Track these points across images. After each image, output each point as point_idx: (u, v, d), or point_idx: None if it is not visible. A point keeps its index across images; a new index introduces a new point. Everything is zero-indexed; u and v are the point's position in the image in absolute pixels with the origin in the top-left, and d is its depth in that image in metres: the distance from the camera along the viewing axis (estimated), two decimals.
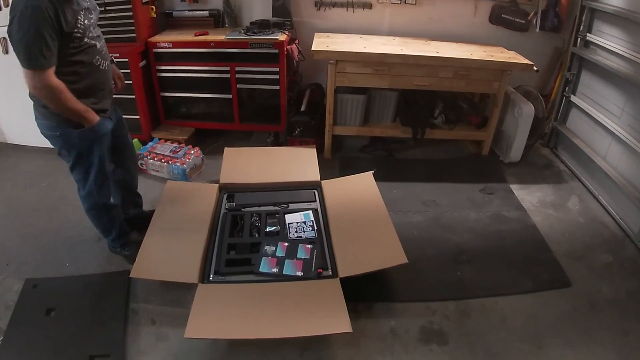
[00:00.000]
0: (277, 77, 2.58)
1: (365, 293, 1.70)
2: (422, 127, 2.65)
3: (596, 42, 2.47)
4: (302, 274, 1.63)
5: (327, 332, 1.42)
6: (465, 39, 2.79)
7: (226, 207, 2.00)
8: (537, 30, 2.80)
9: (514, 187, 2.47)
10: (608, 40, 2.37)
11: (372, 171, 2.20)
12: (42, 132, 1.52)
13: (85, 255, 1.88)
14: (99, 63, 1.48)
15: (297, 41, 2.77)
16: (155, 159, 2.46)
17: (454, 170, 2.62)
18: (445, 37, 2.81)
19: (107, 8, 2.36)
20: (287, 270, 1.63)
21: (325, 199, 2.04)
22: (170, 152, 2.51)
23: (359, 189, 2.10)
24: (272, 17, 2.77)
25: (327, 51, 2.39)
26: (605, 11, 2.36)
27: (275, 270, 1.64)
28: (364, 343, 1.52)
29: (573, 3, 2.69)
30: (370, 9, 2.84)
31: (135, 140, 2.60)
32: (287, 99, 2.69)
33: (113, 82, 1.64)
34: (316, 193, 2.09)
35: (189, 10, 2.83)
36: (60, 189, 2.34)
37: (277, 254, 1.70)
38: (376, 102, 2.68)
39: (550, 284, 1.80)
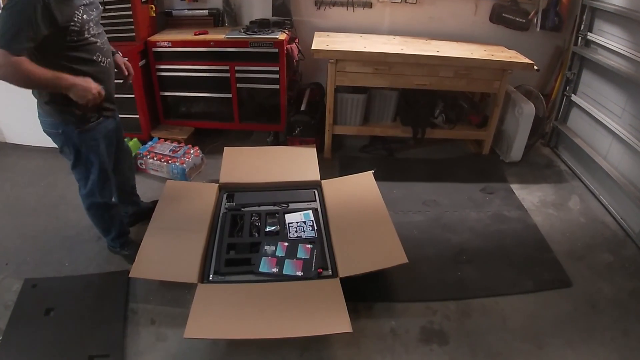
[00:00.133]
0: (277, 76, 2.57)
1: (365, 293, 1.70)
2: (423, 126, 2.64)
3: (597, 41, 2.46)
4: (302, 273, 1.62)
5: (327, 332, 1.42)
6: (466, 38, 2.78)
7: (226, 206, 1.99)
8: (538, 29, 2.80)
9: (515, 187, 2.47)
10: (609, 40, 2.36)
11: (372, 171, 2.19)
12: (44, 130, 1.52)
13: (84, 255, 1.88)
14: (99, 60, 1.46)
15: (297, 40, 2.76)
16: (155, 158, 2.46)
17: (455, 169, 2.62)
18: (445, 36, 2.80)
19: (107, 7, 2.35)
20: (287, 270, 1.63)
21: (325, 198, 2.03)
22: (169, 151, 2.50)
23: (359, 188, 2.10)
24: (272, 16, 2.76)
25: (327, 50, 2.38)
26: (606, 10, 2.35)
27: (275, 270, 1.63)
28: (364, 343, 1.52)
29: (574, 2, 2.68)
30: (371, 8, 2.83)
31: (135, 139, 2.60)
32: (287, 99, 2.69)
33: (121, 72, 1.61)
34: (316, 193, 2.09)
35: (188, 10, 2.82)
36: (60, 188, 2.34)
37: (277, 254, 1.70)
38: (376, 101, 2.68)
39: (550, 284, 1.80)
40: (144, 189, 2.11)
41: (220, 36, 2.54)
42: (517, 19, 2.78)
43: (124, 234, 1.86)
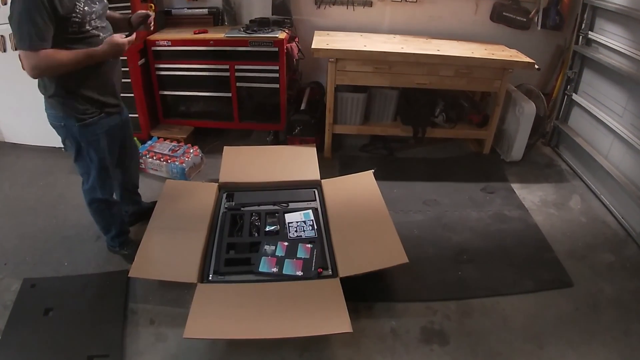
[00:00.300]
0: (276, 75, 2.56)
1: (365, 293, 1.69)
2: (423, 125, 2.63)
3: (598, 40, 2.46)
4: (302, 273, 1.61)
5: (327, 332, 1.41)
6: (466, 37, 2.77)
7: (225, 206, 1.99)
8: (539, 28, 2.79)
9: (515, 186, 2.46)
10: (610, 38, 2.35)
11: (373, 170, 2.18)
12: (49, 122, 1.53)
13: (83, 254, 1.87)
14: None
15: (297, 39, 2.75)
16: (154, 157, 2.45)
17: (455, 169, 2.61)
18: (446, 35, 2.79)
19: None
20: (286, 270, 1.62)
21: (325, 198, 2.03)
22: (169, 151, 2.50)
23: (359, 188, 2.09)
24: (272, 15, 2.76)
25: (327, 49, 2.37)
26: (607, 9, 2.34)
27: (275, 269, 1.63)
28: (364, 343, 1.51)
29: (575, 1, 2.67)
30: (371, 6, 2.82)
31: (134, 139, 2.59)
32: (286, 98, 2.68)
33: (145, 22, 1.59)
34: (316, 192, 2.08)
35: (188, 8, 2.81)
36: (59, 188, 2.33)
37: (276, 254, 1.69)
38: (376, 100, 2.67)
39: (551, 284, 1.79)
40: (143, 189, 2.10)
41: (220, 35, 2.53)
42: (518, 18, 2.77)
43: (124, 232, 1.85)
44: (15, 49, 2.35)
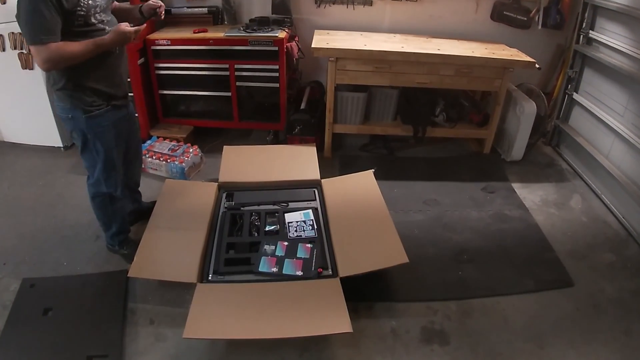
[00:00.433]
0: (276, 74, 2.55)
1: (365, 293, 1.68)
2: (423, 125, 2.63)
3: (599, 39, 2.45)
4: (301, 273, 1.61)
5: (327, 332, 1.41)
6: (467, 36, 2.77)
7: (225, 205, 1.98)
8: (539, 27, 2.78)
9: (516, 186, 2.45)
10: (611, 38, 2.34)
11: (373, 170, 2.18)
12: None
13: (82, 254, 1.87)
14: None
15: (296, 38, 2.74)
16: (154, 157, 2.44)
17: (455, 168, 2.61)
18: (446, 34, 2.79)
19: None
20: (286, 270, 1.62)
21: (325, 197, 2.02)
22: (168, 150, 2.49)
23: (359, 187, 2.08)
24: (272, 14, 2.75)
25: (327, 48, 2.37)
26: (608, 8, 2.33)
27: (274, 269, 1.62)
28: (364, 343, 1.51)
29: (575, 0, 2.67)
30: (371, 5, 2.82)
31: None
32: (286, 97, 2.67)
33: (156, 13, 1.62)
34: (316, 192, 2.08)
35: (187, 8, 2.80)
36: (58, 187, 2.33)
37: (276, 254, 1.68)
38: (377, 100, 2.66)
39: (552, 284, 1.79)
40: (143, 188, 2.09)
41: (220, 34, 2.52)
42: (519, 17, 2.76)
43: (124, 231, 1.85)
44: (14, 49, 2.36)
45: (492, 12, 2.81)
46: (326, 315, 1.43)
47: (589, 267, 1.89)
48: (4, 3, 2.26)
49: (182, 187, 2.13)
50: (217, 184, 2.11)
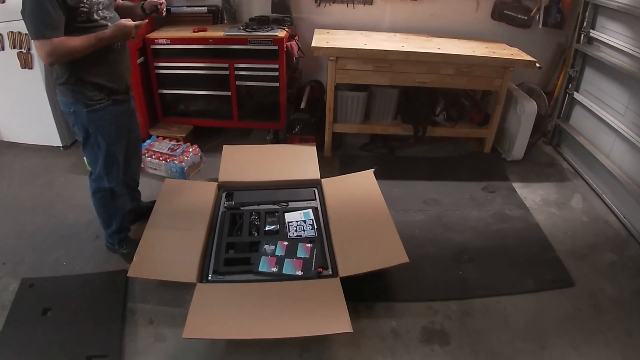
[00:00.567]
0: (276, 74, 2.55)
1: (365, 293, 1.68)
2: (424, 124, 2.62)
3: (600, 38, 2.44)
4: (301, 273, 1.60)
5: (327, 332, 1.40)
6: (467, 36, 2.76)
7: (225, 205, 1.98)
8: (540, 26, 2.77)
9: (517, 186, 2.45)
10: (612, 37, 2.34)
11: (373, 169, 2.17)
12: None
13: (82, 254, 1.86)
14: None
15: (296, 37, 2.74)
16: (153, 156, 2.44)
17: (456, 168, 2.60)
18: (447, 33, 2.78)
19: None
20: (286, 270, 1.61)
21: (325, 197, 2.02)
22: (168, 150, 2.49)
23: (359, 187, 2.08)
24: (272, 13, 2.74)
25: (327, 48, 2.36)
26: (608, 7, 2.33)
27: (274, 269, 1.61)
28: (364, 343, 1.50)
29: None
30: (371, 4, 2.81)
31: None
32: (286, 96, 2.67)
33: (157, 10, 1.67)
34: (316, 191, 2.07)
35: (187, 7, 2.80)
36: (57, 187, 2.32)
37: (276, 253, 1.68)
38: (377, 99, 2.65)
39: (553, 284, 1.78)
40: (142, 188, 2.09)
41: (219, 33, 2.51)
42: (519, 16, 2.76)
43: (124, 229, 1.84)
44: (14, 48, 2.35)
45: (492, 11, 2.81)
46: (326, 315, 1.43)
47: (590, 267, 1.88)
48: (3, 2, 2.25)
49: (181, 186, 2.13)
50: (216, 183, 2.10)
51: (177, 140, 2.61)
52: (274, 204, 1.98)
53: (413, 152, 2.77)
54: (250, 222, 1.84)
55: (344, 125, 2.64)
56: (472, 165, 2.64)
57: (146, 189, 2.18)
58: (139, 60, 2.51)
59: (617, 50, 2.29)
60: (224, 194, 2.05)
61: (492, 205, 2.27)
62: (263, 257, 1.66)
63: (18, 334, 1.50)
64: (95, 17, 1.43)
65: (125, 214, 1.84)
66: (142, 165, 2.46)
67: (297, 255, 1.67)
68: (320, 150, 2.48)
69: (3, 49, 2.37)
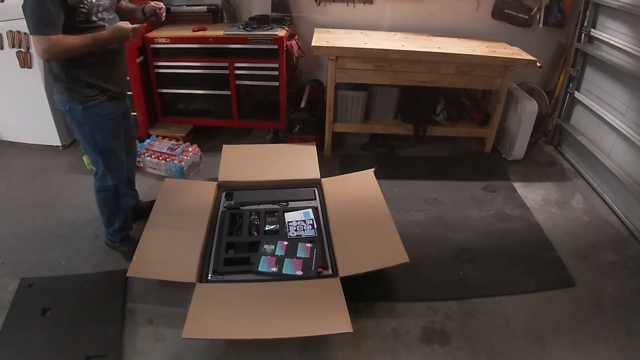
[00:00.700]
0: (276, 73, 2.54)
1: (366, 292, 1.68)
2: (424, 124, 2.62)
3: (601, 37, 2.43)
4: (301, 273, 1.60)
5: (327, 332, 1.40)
6: (468, 35, 2.76)
7: (225, 205, 1.97)
8: (541, 25, 2.77)
9: (517, 185, 2.44)
10: (613, 36, 2.33)
11: (373, 169, 2.17)
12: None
13: (81, 254, 1.86)
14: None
15: (296, 37, 2.73)
16: (153, 156, 2.43)
17: (456, 167, 2.59)
18: (447, 32, 2.77)
19: None
20: (286, 270, 1.61)
21: (325, 197, 2.01)
22: (167, 149, 2.48)
23: (359, 186, 2.07)
24: (272, 12, 2.74)
25: (328, 47, 2.35)
26: (609, 6, 2.32)
27: (274, 269, 1.61)
28: (364, 343, 1.50)
29: None
30: (371, 3, 2.80)
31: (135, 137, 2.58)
32: (286, 96, 2.66)
33: (157, 14, 1.70)
34: (316, 191, 2.07)
35: (187, 6, 2.79)
36: (56, 186, 2.32)
37: (276, 253, 1.67)
38: (377, 98, 2.65)
39: (554, 284, 1.78)
40: (142, 187, 2.09)
41: (219, 32, 2.51)
42: (520, 15, 2.75)
43: (127, 228, 1.84)
44: (13, 47, 2.35)
45: (493, 10, 2.80)
46: (326, 315, 1.42)
47: (591, 267, 1.88)
48: (2, 1, 2.24)
49: (181, 186, 2.12)
50: (216, 183, 2.10)
51: (177, 140, 2.60)
52: (273, 203, 1.98)
53: (413, 152, 2.76)
54: (250, 222, 1.84)
55: (344, 124, 2.64)
56: (472, 165, 2.63)
57: (146, 188, 2.17)
58: (139, 60, 2.51)
59: (618, 50, 2.29)
60: (223, 194, 2.04)
61: (492, 205, 2.26)
62: (263, 257, 1.65)
63: (17, 334, 1.50)
64: (94, 18, 1.44)
65: (128, 212, 1.84)
66: (142, 165, 2.47)
67: (297, 255, 1.66)
68: (320, 150, 2.48)
69: (2, 48, 2.36)
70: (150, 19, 1.71)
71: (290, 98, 2.76)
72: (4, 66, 2.40)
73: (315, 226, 1.82)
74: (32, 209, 2.14)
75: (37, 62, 2.36)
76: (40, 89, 2.43)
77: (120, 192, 1.73)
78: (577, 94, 2.65)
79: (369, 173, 2.14)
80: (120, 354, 1.44)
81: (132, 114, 2.54)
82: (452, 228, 2.08)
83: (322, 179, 2.14)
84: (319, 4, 2.81)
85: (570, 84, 2.70)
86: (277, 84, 2.58)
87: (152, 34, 2.53)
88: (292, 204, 1.97)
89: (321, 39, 2.48)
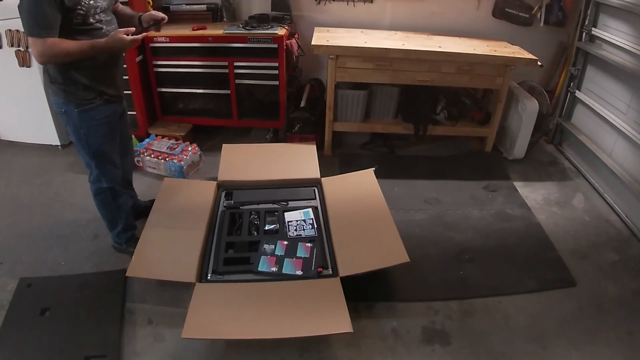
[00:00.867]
0: (276, 72, 2.53)
1: (366, 292, 1.67)
2: (424, 123, 2.61)
3: (602, 36, 2.43)
4: (301, 273, 1.59)
5: (327, 332, 1.39)
6: (468, 34, 2.75)
7: (224, 204, 1.97)
8: (542, 24, 2.76)
9: (518, 185, 2.44)
10: (614, 35, 2.32)
11: (373, 168, 2.16)
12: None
13: (80, 254, 1.85)
14: None
15: (296, 36, 2.72)
16: (152, 155, 2.43)
17: (457, 167, 2.59)
18: (447, 31, 2.76)
19: None
20: (286, 269, 1.60)
21: (325, 196, 2.01)
22: (167, 148, 2.47)
23: (359, 186, 2.07)
24: (271, 11, 2.73)
25: (328, 46, 2.35)
26: (610, 5, 2.31)
27: (274, 269, 1.60)
28: (364, 343, 1.50)
29: None
30: (372, 2, 2.80)
31: (131, 135, 2.57)
32: (286, 95, 2.65)
33: (157, 24, 1.66)
34: (316, 190, 2.06)
35: (186, 4, 2.78)
36: (55, 186, 2.31)
37: (276, 253, 1.67)
38: (377, 97, 2.64)
39: (554, 283, 1.77)
40: (142, 187, 2.09)
41: (219, 31, 2.50)
42: (521, 14, 2.75)
43: (131, 227, 1.83)
44: (12, 46, 2.34)
45: (493, 9, 2.79)
46: (326, 315, 1.42)
47: (592, 267, 1.87)
48: (1, 0, 2.23)
49: (180, 185, 2.12)
50: (216, 182, 2.09)
51: (176, 139, 2.60)
52: (273, 203, 1.97)
53: (414, 151, 2.76)
54: (250, 222, 1.83)
55: (344, 124, 2.63)
56: (473, 164, 2.62)
57: (145, 188, 2.17)
58: (138, 59, 2.50)
59: (619, 49, 2.28)
60: (223, 193, 2.03)
61: (493, 205, 2.26)
62: (263, 257, 1.65)
63: (16, 334, 1.49)
64: (92, 20, 1.42)
65: (129, 211, 1.83)
66: (141, 164, 2.46)
67: (297, 255, 1.66)
68: (320, 149, 2.47)
69: (1, 47, 2.36)
70: (149, 29, 1.66)
71: (290, 97, 2.75)
72: (2, 65, 2.40)
73: (315, 226, 1.82)
74: (31, 208, 2.14)
75: (36, 61, 2.35)
76: (39, 88, 2.42)
77: (117, 192, 1.72)
78: (578, 93, 2.65)
79: (369, 172, 2.13)
80: (119, 354, 1.43)
81: (132, 113, 2.56)
82: (452, 228, 2.07)
83: (322, 179, 2.13)
84: (319, 3, 2.80)
85: (571, 83, 2.69)
86: (277, 83, 2.57)
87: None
88: (292, 204, 1.97)
89: (321, 37, 2.47)
